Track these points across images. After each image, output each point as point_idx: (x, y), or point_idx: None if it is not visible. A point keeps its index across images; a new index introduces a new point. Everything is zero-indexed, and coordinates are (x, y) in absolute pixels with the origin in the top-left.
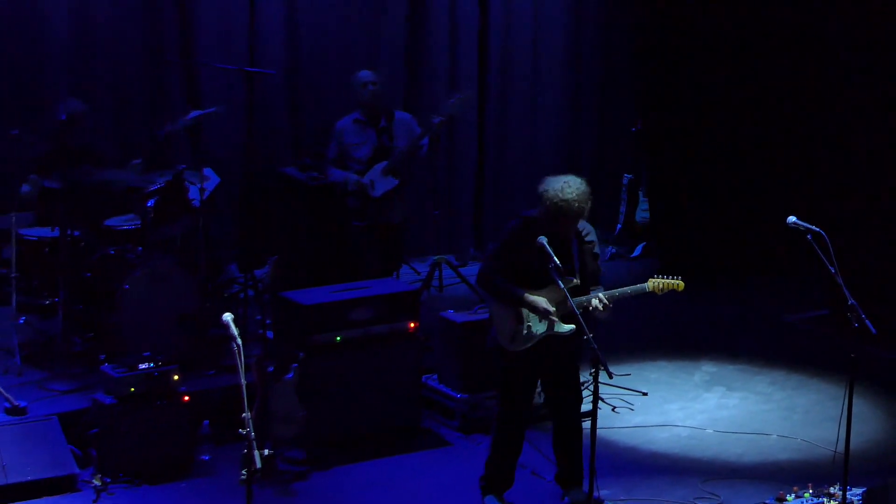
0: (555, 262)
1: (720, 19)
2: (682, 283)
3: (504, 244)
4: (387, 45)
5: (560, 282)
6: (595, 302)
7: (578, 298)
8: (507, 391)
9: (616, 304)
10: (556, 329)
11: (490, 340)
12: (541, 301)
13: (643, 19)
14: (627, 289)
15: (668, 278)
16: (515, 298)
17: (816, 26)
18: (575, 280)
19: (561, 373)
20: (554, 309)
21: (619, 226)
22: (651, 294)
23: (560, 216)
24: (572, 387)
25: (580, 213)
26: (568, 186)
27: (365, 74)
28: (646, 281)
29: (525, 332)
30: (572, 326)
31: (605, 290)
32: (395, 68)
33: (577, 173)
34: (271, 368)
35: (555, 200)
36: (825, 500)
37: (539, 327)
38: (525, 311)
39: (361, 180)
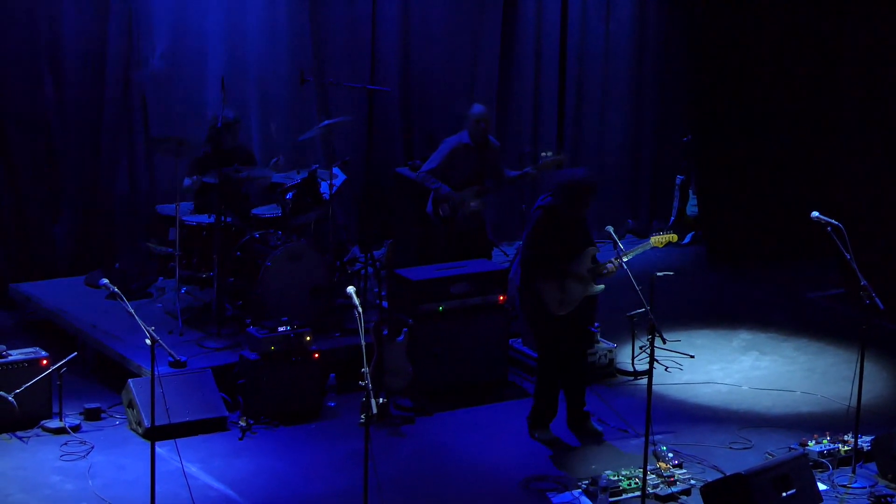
0: (620, 247)
1: (754, 52)
2: (675, 236)
3: (538, 232)
4: (483, 69)
5: (617, 259)
6: (609, 267)
7: (597, 266)
8: (549, 349)
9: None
10: (590, 291)
11: (530, 310)
12: (584, 274)
13: (691, 53)
14: (638, 247)
15: (664, 233)
16: (562, 273)
17: (837, 43)
18: (597, 249)
19: (583, 329)
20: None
21: (672, 218)
22: (656, 249)
23: (584, 195)
24: (586, 341)
25: (596, 191)
26: (584, 174)
27: (479, 111)
28: (649, 241)
29: (570, 297)
30: (602, 286)
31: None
32: (490, 88)
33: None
34: (386, 332)
35: (578, 184)
36: (840, 446)
37: (578, 292)
38: (567, 281)
39: (459, 199)
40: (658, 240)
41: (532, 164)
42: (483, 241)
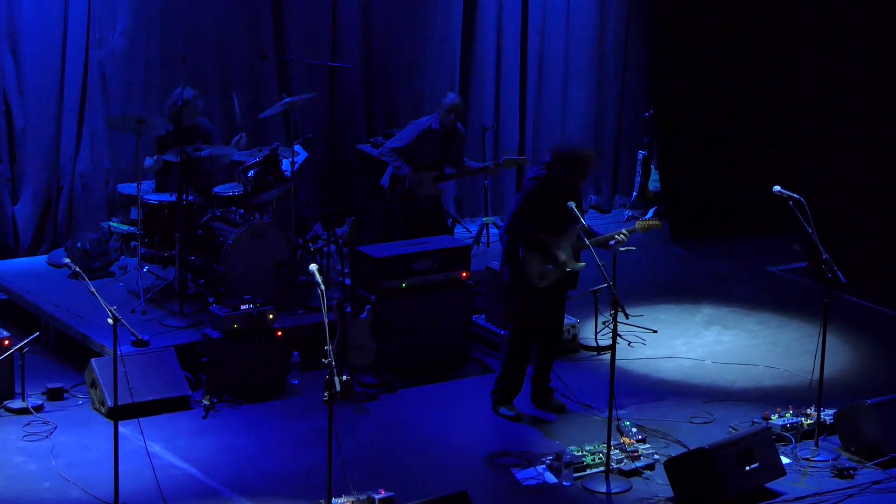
0: (582, 223)
1: (715, 27)
2: (659, 223)
3: (527, 201)
4: (445, 45)
5: (585, 238)
6: (611, 242)
7: (597, 238)
8: (523, 320)
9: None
10: (572, 267)
11: (512, 279)
12: (561, 254)
13: (655, 27)
14: (623, 229)
15: (650, 220)
16: (543, 246)
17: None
18: (585, 224)
19: (558, 308)
20: (568, 260)
21: (634, 193)
22: (639, 232)
23: (583, 167)
24: (560, 320)
25: (594, 164)
26: (583, 145)
27: (452, 101)
28: (634, 225)
29: (550, 271)
30: (584, 264)
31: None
32: (452, 63)
33: (601, 150)
34: (349, 309)
35: (580, 155)
36: (803, 419)
37: (561, 267)
38: (551, 255)
39: (417, 182)
40: (643, 225)
41: (493, 160)
42: (439, 219)
